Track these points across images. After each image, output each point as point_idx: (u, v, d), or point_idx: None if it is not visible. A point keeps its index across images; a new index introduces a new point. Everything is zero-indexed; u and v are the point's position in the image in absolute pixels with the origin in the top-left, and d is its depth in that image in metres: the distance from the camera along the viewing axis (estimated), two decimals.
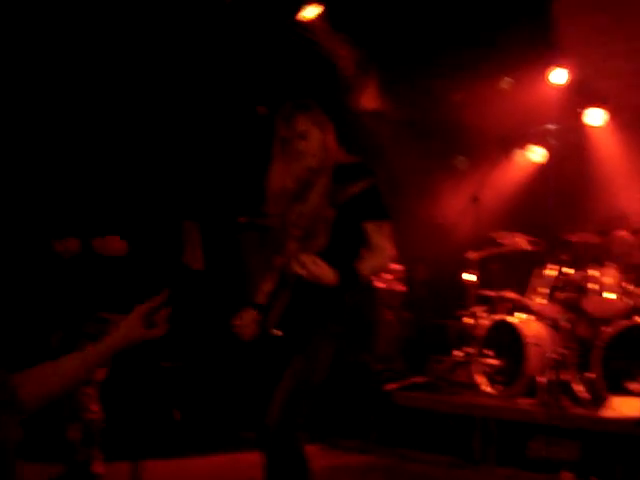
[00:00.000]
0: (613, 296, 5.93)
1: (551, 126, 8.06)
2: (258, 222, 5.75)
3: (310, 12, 7.38)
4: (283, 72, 7.04)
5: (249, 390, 5.56)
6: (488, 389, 6.12)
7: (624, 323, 5.70)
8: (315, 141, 3.34)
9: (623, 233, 6.20)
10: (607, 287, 5.97)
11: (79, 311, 4.52)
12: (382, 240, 3.28)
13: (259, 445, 3.24)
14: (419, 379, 6.58)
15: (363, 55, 7.62)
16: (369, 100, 7.90)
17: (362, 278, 3.25)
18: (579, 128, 7.91)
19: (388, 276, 7.02)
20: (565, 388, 5.67)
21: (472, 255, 6.79)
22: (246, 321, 3.38)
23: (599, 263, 6.17)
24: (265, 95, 6.19)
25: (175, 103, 6.68)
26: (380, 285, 6.95)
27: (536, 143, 8.16)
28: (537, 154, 8.16)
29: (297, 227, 3.32)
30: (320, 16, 7.37)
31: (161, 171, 6.59)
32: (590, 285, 6.05)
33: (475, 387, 6.18)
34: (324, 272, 3.13)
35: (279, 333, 3.31)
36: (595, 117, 7.80)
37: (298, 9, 7.38)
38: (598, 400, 5.53)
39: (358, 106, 7.81)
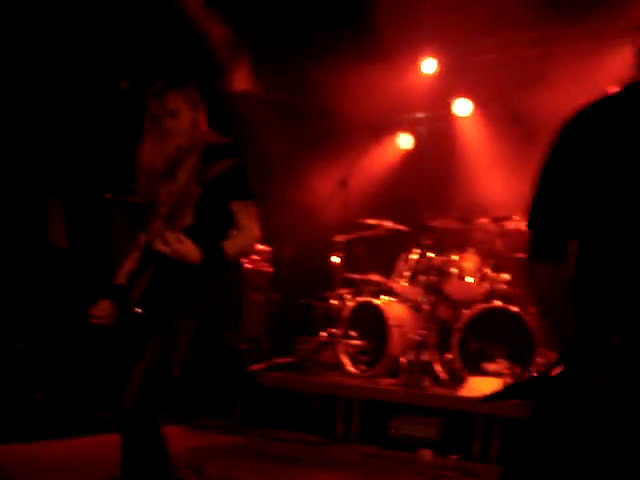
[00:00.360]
0: (472, 280, 6.17)
1: (420, 114, 8.28)
2: (126, 200, 5.63)
3: None
4: (153, 47, 6.88)
5: (110, 370, 5.44)
6: (352, 369, 6.23)
7: (482, 306, 5.93)
8: (185, 119, 3.29)
9: (484, 221, 6.43)
10: (467, 272, 6.21)
11: None
12: (248, 220, 3.26)
13: (118, 427, 3.18)
14: (284, 360, 6.62)
15: (236, 35, 7.55)
16: (241, 81, 7.84)
17: (227, 258, 3.23)
18: (447, 118, 8.14)
19: (255, 257, 7.01)
20: (426, 368, 5.86)
21: (339, 238, 6.89)
22: (102, 311, 3.32)
23: (461, 249, 6.40)
24: (132, 69, 6.02)
25: (38, 74, 6.41)
26: (247, 266, 6.94)
27: (405, 131, 8.35)
28: (406, 141, 8.35)
29: (165, 205, 3.27)
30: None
31: (23, 145, 6.32)
32: (451, 269, 6.27)
33: (340, 367, 6.28)
34: (188, 250, 3.08)
35: (140, 312, 3.26)
36: (462, 107, 8.03)
37: None
38: (457, 380, 5.74)
39: (230, 86, 7.73)
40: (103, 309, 3.30)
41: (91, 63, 6.56)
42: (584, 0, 6.54)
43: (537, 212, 2.21)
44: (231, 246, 3.24)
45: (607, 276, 2.12)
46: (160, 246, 3.08)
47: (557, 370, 2.03)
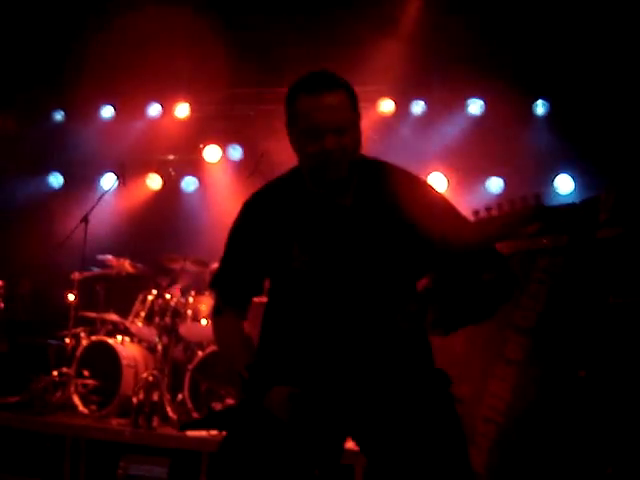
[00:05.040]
0: (206, 322, 6.36)
1: (171, 157, 8.44)
2: None
3: None
4: None
5: None
6: (83, 409, 6.16)
7: (214, 348, 6.13)
8: None
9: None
10: (202, 314, 6.40)
11: None
12: None
13: None
14: (12, 399, 6.40)
15: None
16: None
17: None
18: (198, 162, 8.37)
19: None
20: (156, 408, 5.92)
21: (76, 275, 6.81)
22: None
23: (197, 291, 6.59)
24: None
25: None
26: None
27: (155, 171, 8.46)
28: (155, 182, 8.45)
29: None
30: None
31: None
32: (187, 311, 6.43)
33: (71, 407, 6.17)
34: None
35: None
36: (212, 153, 8.29)
37: None
38: (183, 425, 5.86)
39: None
40: None
41: None
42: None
43: (221, 276, 2.69)
44: None
45: (275, 325, 2.57)
46: None
47: (237, 401, 2.48)
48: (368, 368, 2.41)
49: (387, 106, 7.65)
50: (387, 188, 2.50)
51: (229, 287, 2.67)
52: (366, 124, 2.55)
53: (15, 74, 7.44)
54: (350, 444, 2.59)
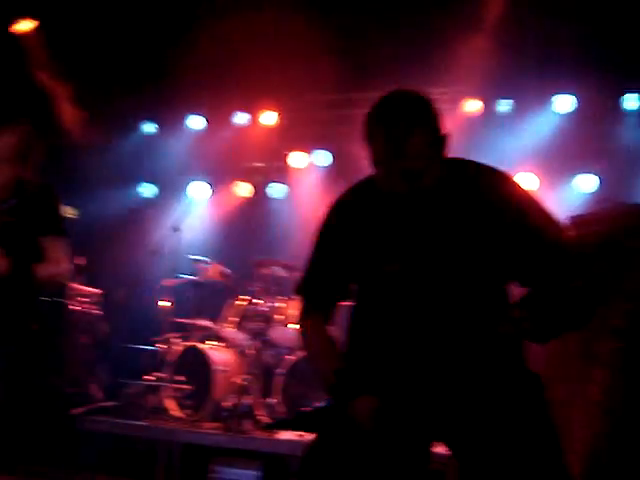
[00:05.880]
0: (296, 327, 6.38)
1: (259, 164, 8.56)
2: None
3: (24, 26, 7.19)
4: None
5: None
6: (176, 413, 6.27)
7: (302, 352, 6.15)
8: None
9: None
10: (292, 319, 6.43)
11: None
12: (58, 254, 3.42)
13: None
14: (108, 403, 6.58)
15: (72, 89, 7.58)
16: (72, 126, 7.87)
17: (37, 278, 3.33)
18: (285, 168, 8.46)
19: (83, 299, 6.97)
20: (248, 412, 5.99)
21: (169, 282, 6.96)
22: None
23: (287, 296, 6.63)
24: None
25: None
26: (74, 308, 6.88)
27: (243, 179, 8.59)
28: (243, 189, 8.58)
29: None
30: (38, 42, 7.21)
31: None
32: (276, 316, 6.49)
33: (164, 411, 6.30)
34: None
35: None
36: (299, 159, 8.37)
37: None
38: (269, 424, 5.92)
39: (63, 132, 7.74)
40: None
41: None
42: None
43: (307, 281, 2.66)
44: (41, 269, 3.36)
45: (363, 329, 2.54)
46: None
47: (324, 403, 2.44)
48: (462, 372, 2.37)
49: (473, 106, 7.57)
50: (474, 186, 2.45)
51: (315, 292, 2.65)
52: (451, 125, 2.49)
53: (106, 86, 7.65)
54: (441, 449, 2.56)
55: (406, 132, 2.30)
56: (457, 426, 2.41)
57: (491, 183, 2.47)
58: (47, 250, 3.43)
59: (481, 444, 2.36)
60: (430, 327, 2.40)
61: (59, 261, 3.45)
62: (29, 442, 6.09)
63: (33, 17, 7.18)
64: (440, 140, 2.40)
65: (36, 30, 7.24)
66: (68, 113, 7.93)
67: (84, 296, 7.02)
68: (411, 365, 2.40)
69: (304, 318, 2.69)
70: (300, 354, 6.16)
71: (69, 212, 6.45)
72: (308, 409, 5.61)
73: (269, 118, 8.41)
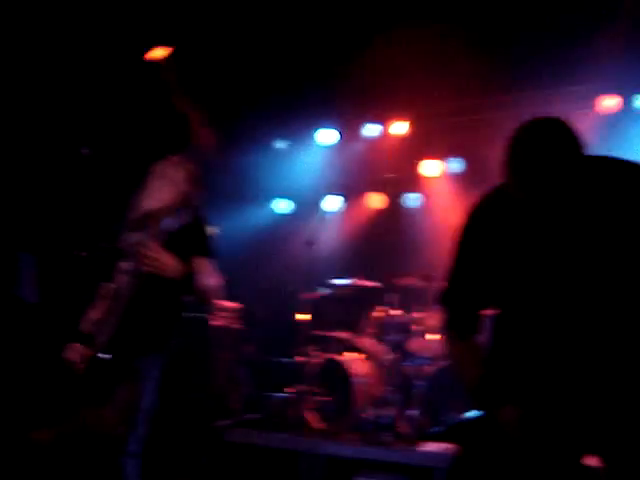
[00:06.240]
0: (435, 337, 6.30)
1: (392, 175, 8.53)
2: (93, 254, 5.84)
3: (158, 53, 7.44)
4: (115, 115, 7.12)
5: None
6: (317, 425, 6.30)
7: (444, 363, 6.06)
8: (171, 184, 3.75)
9: None
10: (430, 329, 6.35)
11: None
12: (211, 271, 3.56)
13: None
14: (251, 416, 6.68)
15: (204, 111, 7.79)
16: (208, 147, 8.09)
17: (198, 285, 3.50)
18: (418, 177, 8.39)
19: (224, 314, 7.13)
20: (389, 424, 5.94)
21: (306, 296, 7.02)
22: (74, 354, 3.49)
23: (424, 306, 6.56)
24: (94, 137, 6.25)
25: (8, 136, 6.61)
26: (217, 323, 7.05)
27: (377, 190, 8.60)
28: (377, 200, 8.58)
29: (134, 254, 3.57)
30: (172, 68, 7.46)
31: None
32: (415, 327, 6.42)
33: (305, 424, 6.34)
34: (169, 263, 3.39)
35: (106, 357, 3.42)
36: (431, 168, 8.29)
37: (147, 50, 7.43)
38: (420, 435, 5.83)
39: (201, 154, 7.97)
40: (74, 352, 3.50)
41: (58, 129, 6.77)
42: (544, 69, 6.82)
43: (449, 290, 2.62)
44: (201, 278, 3.47)
45: (510, 336, 2.47)
46: (142, 262, 3.33)
47: (472, 415, 2.38)
48: (614, 380, 2.25)
49: (610, 103, 7.27)
50: (617, 183, 2.34)
51: (459, 301, 2.61)
52: (587, 124, 2.39)
53: (236, 105, 7.84)
54: (593, 460, 2.44)
55: (550, 159, 2.25)
56: (609, 437, 2.29)
57: (634, 178, 2.35)
58: (200, 268, 3.58)
59: (634, 457, 2.23)
60: (581, 333, 2.29)
61: (214, 277, 3.60)
62: (174, 453, 6.28)
63: (166, 44, 7.43)
64: (576, 144, 2.31)
65: (170, 57, 7.49)
66: (203, 135, 8.18)
67: (225, 311, 7.19)
68: (561, 372, 2.30)
69: (448, 328, 2.65)
70: (440, 364, 6.07)
71: (211, 230, 6.63)
72: (458, 421, 5.50)
73: (400, 128, 8.37)
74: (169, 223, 3.56)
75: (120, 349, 3.45)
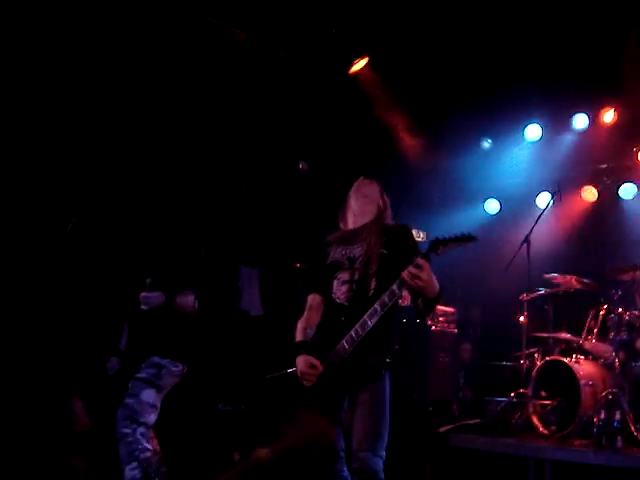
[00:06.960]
0: None
1: (604, 165, 8.15)
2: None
3: (359, 65, 7.56)
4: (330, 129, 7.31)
5: None
6: (543, 430, 6.10)
7: None
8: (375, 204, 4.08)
9: None
10: None
11: (139, 351, 4.76)
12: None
13: None
14: (473, 421, 6.61)
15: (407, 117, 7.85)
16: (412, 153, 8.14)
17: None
18: (634, 166, 7.95)
19: (441, 318, 7.11)
20: (619, 428, 5.64)
21: (524, 297, 6.84)
22: (304, 367, 3.68)
23: None
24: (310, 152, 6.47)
25: (232, 155, 6.95)
26: (433, 327, 7.04)
27: (589, 183, 8.24)
28: (590, 194, 8.22)
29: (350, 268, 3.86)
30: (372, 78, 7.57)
31: (217, 220, 6.85)
32: None
33: (531, 428, 6.17)
34: (431, 282, 3.60)
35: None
36: None
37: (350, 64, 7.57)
38: None
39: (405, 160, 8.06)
40: (303, 364, 3.71)
41: (274, 145, 7.05)
42: None
43: None
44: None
45: None
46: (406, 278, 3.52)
47: None
48: None
49: None
50: None
51: None
52: None
53: (440, 107, 7.81)
54: None
55: None
56: None
57: None
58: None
59: None
60: None
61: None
62: (396, 459, 6.33)
63: (364, 55, 7.53)
64: None
65: (368, 66, 7.58)
66: (407, 141, 8.23)
67: (442, 315, 7.17)
68: None
69: None
70: None
71: (419, 236, 6.66)
72: None
73: (610, 116, 7.95)
74: None
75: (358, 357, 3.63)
